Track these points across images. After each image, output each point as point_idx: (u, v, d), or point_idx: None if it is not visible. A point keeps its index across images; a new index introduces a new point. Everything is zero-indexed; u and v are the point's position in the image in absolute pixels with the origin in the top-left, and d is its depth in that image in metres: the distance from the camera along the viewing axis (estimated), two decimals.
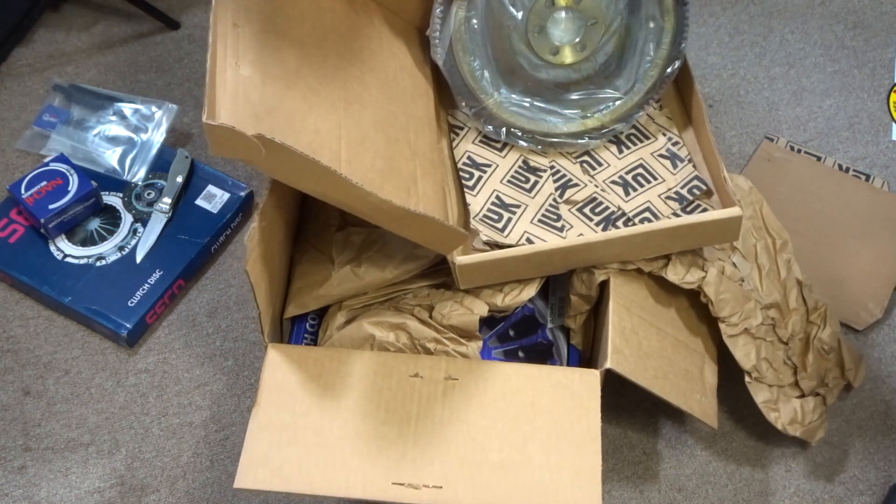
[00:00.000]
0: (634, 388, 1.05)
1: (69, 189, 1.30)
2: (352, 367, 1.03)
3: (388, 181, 1.03)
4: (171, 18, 1.59)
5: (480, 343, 1.07)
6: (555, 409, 1.01)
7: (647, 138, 1.22)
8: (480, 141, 1.21)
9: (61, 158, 1.34)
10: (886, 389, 1.26)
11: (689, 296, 1.16)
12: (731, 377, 1.16)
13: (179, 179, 1.36)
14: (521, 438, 0.99)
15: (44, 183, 1.30)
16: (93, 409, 1.22)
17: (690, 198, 1.15)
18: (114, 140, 1.41)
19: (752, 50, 1.61)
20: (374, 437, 0.99)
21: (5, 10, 1.54)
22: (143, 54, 1.56)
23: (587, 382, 1.02)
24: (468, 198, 1.15)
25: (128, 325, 1.24)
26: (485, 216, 1.13)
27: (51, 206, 1.28)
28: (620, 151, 1.21)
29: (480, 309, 1.08)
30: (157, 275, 1.29)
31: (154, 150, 1.40)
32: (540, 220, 1.13)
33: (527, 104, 1.20)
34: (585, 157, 1.21)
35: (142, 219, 1.34)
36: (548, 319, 1.17)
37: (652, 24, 1.17)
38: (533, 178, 1.18)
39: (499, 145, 1.21)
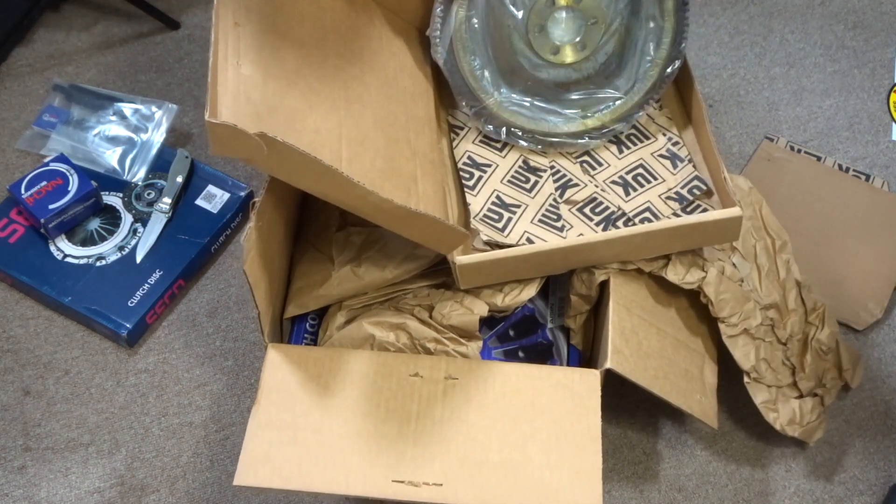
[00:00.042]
0: (634, 388, 1.05)
1: (69, 189, 1.30)
2: (352, 367, 1.03)
3: (388, 181, 1.03)
4: (171, 18, 1.59)
5: (480, 343, 1.07)
6: (555, 409, 1.01)
7: (647, 138, 1.22)
8: (480, 141, 1.21)
9: (61, 158, 1.34)
10: (886, 389, 1.26)
11: (689, 296, 1.16)
12: (731, 377, 1.16)
13: (179, 179, 1.36)
14: (521, 438, 0.99)
15: (44, 183, 1.30)
16: (93, 409, 1.22)
17: (690, 198, 1.15)
18: (114, 140, 1.41)
19: (752, 50, 1.61)
20: (374, 435, 0.99)
21: (5, 10, 1.54)
22: (143, 54, 1.56)
23: (587, 382, 1.02)
24: (468, 198, 1.15)
25: (128, 325, 1.24)
26: (485, 216, 1.13)
27: (51, 206, 1.28)
28: (620, 151, 1.21)
29: (480, 309, 1.08)
30: (157, 275, 1.29)
31: (154, 150, 1.40)
32: (540, 220, 1.13)
33: (527, 104, 1.20)
34: (585, 157, 1.21)
35: (142, 219, 1.34)
36: (548, 319, 1.17)
37: (652, 24, 1.17)
38: (533, 178, 1.18)
39: (499, 145, 1.21)
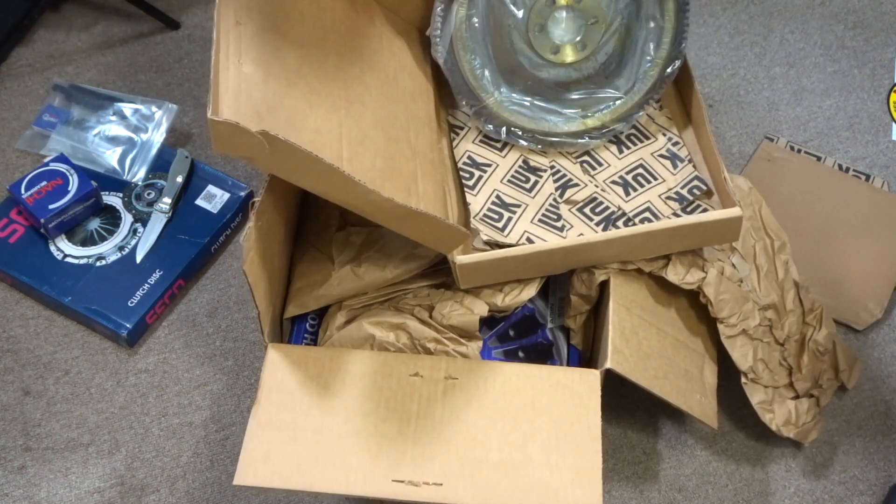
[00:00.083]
0: (634, 388, 1.05)
1: (69, 189, 1.30)
2: (352, 367, 1.03)
3: (388, 180, 1.03)
4: (171, 18, 1.59)
5: (480, 343, 1.07)
6: (555, 408, 1.01)
7: (648, 138, 1.22)
8: (480, 141, 1.21)
9: (61, 158, 1.34)
10: (886, 389, 1.26)
11: (689, 296, 1.16)
12: (730, 377, 1.16)
13: (179, 179, 1.36)
14: (521, 438, 0.99)
15: (44, 183, 1.30)
16: (93, 409, 1.22)
17: (690, 198, 1.15)
18: (114, 140, 1.41)
19: (752, 50, 1.61)
20: (374, 435, 0.99)
21: (5, 10, 1.54)
22: (143, 54, 1.56)
23: (587, 382, 1.02)
24: (468, 197, 1.15)
25: (128, 325, 1.24)
26: (485, 216, 1.13)
27: (51, 206, 1.28)
28: (620, 151, 1.21)
29: (480, 309, 1.08)
30: (157, 275, 1.29)
31: (154, 150, 1.40)
32: (540, 220, 1.13)
33: (527, 103, 1.20)
34: (585, 157, 1.21)
35: (142, 219, 1.34)
36: (548, 319, 1.17)
37: (652, 24, 1.17)
38: (533, 178, 1.18)
39: (499, 145, 1.21)
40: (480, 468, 0.97)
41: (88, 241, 1.32)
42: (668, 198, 1.15)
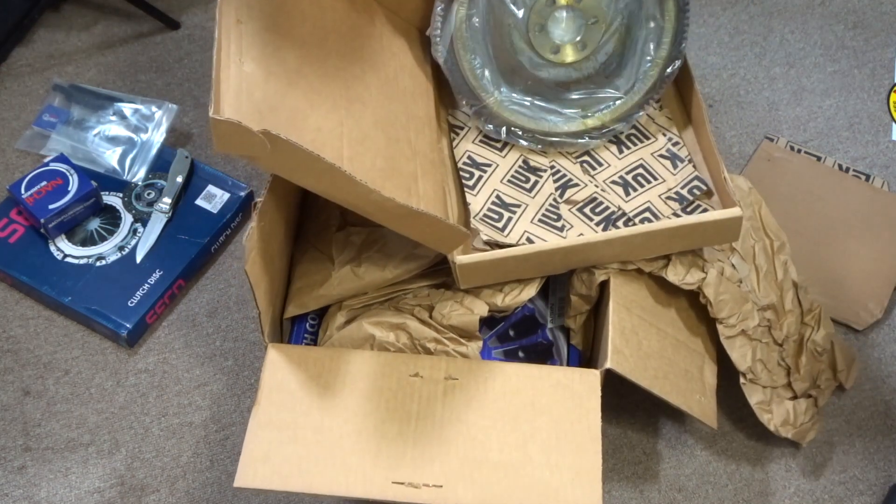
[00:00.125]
0: (634, 388, 1.05)
1: (69, 189, 1.30)
2: (352, 367, 1.03)
3: (388, 180, 1.03)
4: (171, 18, 1.59)
5: (480, 343, 1.07)
6: (555, 409, 1.01)
7: (648, 138, 1.22)
8: (480, 141, 1.21)
9: (61, 158, 1.34)
10: (886, 389, 1.26)
11: (688, 296, 1.16)
12: (730, 377, 1.16)
13: (179, 179, 1.36)
14: (521, 438, 0.99)
15: (44, 183, 1.30)
16: (93, 409, 1.22)
17: (690, 198, 1.15)
18: (114, 140, 1.41)
19: (752, 50, 1.61)
20: (374, 436, 0.99)
21: (5, 10, 1.54)
22: (143, 54, 1.56)
23: (587, 382, 1.02)
24: (468, 197, 1.15)
25: (128, 325, 1.24)
26: (485, 216, 1.13)
27: (51, 206, 1.28)
28: (620, 151, 1.21)
29: (480, 309, 1.08)
30: (157, 275, 1.29)
31: (154, 150, 1.40)
32: (540, 220, 1.13)
33: (527, 103, 1.20)
34: (585, 157, 1.21)
35: (142, 219, 1.34)
36: (548, 319, 1.17)
37: (652, 24, 1.17)
38: (533, 178, 1.18)
39: (499, 145, 1.21)
40: (480, 468, 0.97)
41: (88, 241, 1.32)
42: (668, 198, 1.15)
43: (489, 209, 1.14)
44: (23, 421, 1.21)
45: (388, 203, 0.97)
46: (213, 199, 1.37)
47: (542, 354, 1.14)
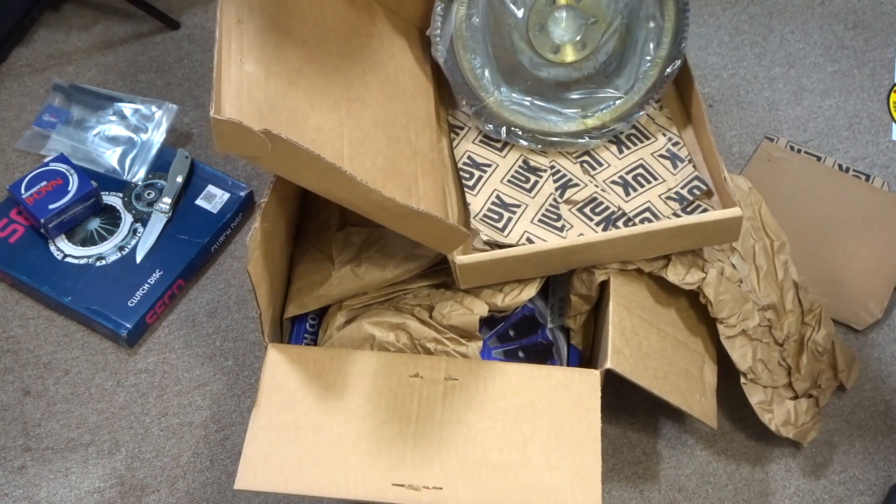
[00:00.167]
0: (634, 388, 1.05)
1: (69, 189, 1.30)
2: (352, 367, 1.03)
3: (389, 180, 1.03)
4: (171, 18, 1.59)
5: (480, 343, 1.07)
6: (555, 409, 1.01)
7: (647, 138, 1.22)
8: (480, 141, 1.21)
9: (61, 158, 1.34)
10: (886, 389, 1.26)
11: (689, 296, 1.16)
12: (730, 377, 1.16)
13: (179, 179, 1.36)
14: (521, 438, 0.99)
15: (44, 183, 1.30)
16: (93, 409, 1.22)
17: (690, 198, 1.15)
18: (114, 140, 1.41)
19: (752, 50, 1.61)
20: (374, 437, 0.99)
21: (5, 10, 1.54)
22: (143, 54, 1.56)
23: (587, 382, 1.02)
24: (468, 197, 1.15)
25: (128, 325, 1.24)
26: (485, 216, 1.13)
27: (51, 206, 1.28)
28: (620, 151, 1.21)
29: (480, 309, 1.08)
30: (157, 275, 1.29)
31: (154, 150, 1.40)
32: (540, 220, 1.13)
33: (527, 103, 1.20)
34: (585, 157, 1.21)
35: (142, 219, 1.34)
36: (548, 319, 1.17)
37: (652, 24, 1.17)
38: (533, 178, 1.18)
39: (499, 145, 1.21)
40: (480, 469, 0.97)
41: (88, 241, 1.32)
42: (668, 198, 1.15)
43: (489, 209, 1.14)
44: (23, 421, 1.21)
45: (388, 203, 0.97)
46: (213, 199, 1.37)
47: (542, 354, 1.14)
